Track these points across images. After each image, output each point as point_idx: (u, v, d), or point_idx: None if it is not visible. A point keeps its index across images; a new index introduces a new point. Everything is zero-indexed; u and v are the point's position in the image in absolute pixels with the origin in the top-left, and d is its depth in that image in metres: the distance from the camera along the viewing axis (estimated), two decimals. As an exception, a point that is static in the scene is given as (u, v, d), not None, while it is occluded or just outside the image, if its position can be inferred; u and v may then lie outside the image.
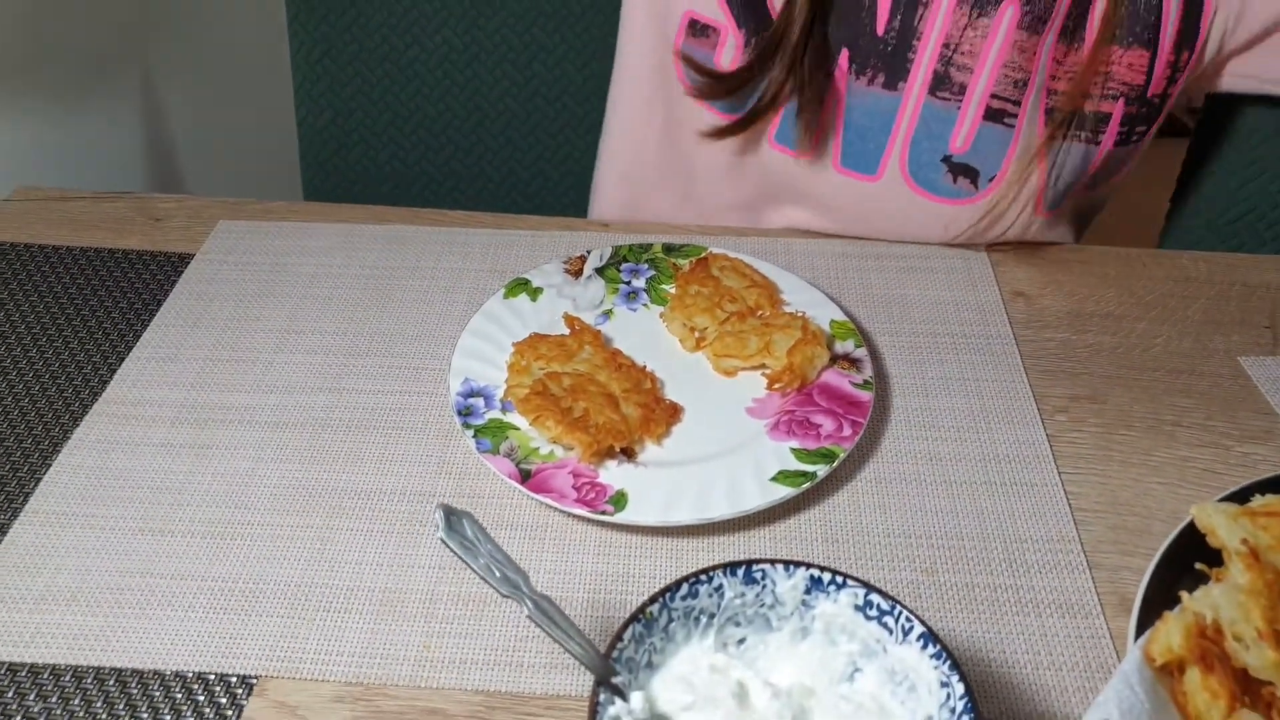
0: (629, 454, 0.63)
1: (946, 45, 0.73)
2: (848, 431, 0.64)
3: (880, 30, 0.74)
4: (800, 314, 0.71)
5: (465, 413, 0.64)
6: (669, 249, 0.79)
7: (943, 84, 0.75)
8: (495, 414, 0.65)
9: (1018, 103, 0.74)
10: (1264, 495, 0.54)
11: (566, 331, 0.70)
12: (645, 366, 0.68)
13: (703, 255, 0.77)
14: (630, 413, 0.64)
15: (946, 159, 0.76)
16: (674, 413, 0.66)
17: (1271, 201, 0.89)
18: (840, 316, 0.72)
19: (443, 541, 0.45)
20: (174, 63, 1.22)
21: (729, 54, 0.77)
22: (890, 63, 0.75)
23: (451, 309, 0.75)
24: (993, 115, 0.75)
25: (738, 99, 0.77)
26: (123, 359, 0.71)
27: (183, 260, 0.79)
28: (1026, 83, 0.74)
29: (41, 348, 0.72)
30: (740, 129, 0.78)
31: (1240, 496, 0.55)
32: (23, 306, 0.75)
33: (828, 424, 0.64)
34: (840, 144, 0.78)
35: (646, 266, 0.77)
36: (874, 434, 0.66)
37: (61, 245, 0.81)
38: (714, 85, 0.77)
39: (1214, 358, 0.72)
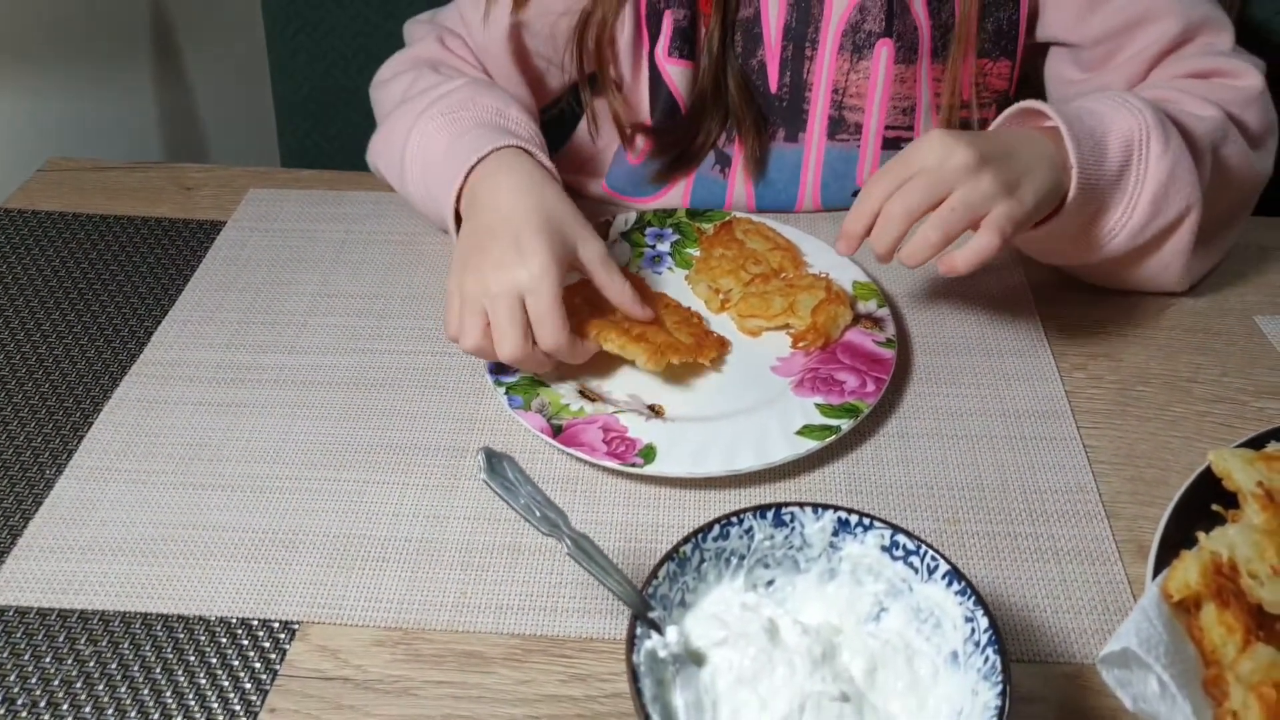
0: (658, 411, 0.64)
1: (835, 91, 0.78)
2: (871, 388, 0.65)
3: (774, 88, 0.79)
4: (824, 275, 0.72)
5: (497, 371, 0.66)
6: (693, 214, 0.80)
7: (839, 127, 0.80)
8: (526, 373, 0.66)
9: (910, 127, 0.79)
10: (1279, 442, 0.55)
11: None
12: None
13: (727, 219, 0.78)
14: (683, 338, 0.66)
15: (856, 192, 0.79)
16: (723, 344, 0.68)
17: None
18: (863, 278, 0.73)
19: (485, 482, 0.47)
20: (200, 34, 1.23)
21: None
22: (787, 116, 0.80)
23: (479, 273, 0.76)
24: (890, 144, 0.80)
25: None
26: (159, 322, 0.73)
27: (214, 227, 0.81)
28: (913, 108, 0.79)
29: (80, 312, 0.74)
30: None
31: (1256, 444, 0.56)
32: (60, 273, 0.77)
33: (851, 380, 0.66)
34: (753, 195, 0.83)
35: (671, 231, 0.79)
36: (896, 390, 0.67)
37: (96, 214, 0.82)
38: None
39: (1230, 316, 0.73)
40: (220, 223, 0.82)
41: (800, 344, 0.68)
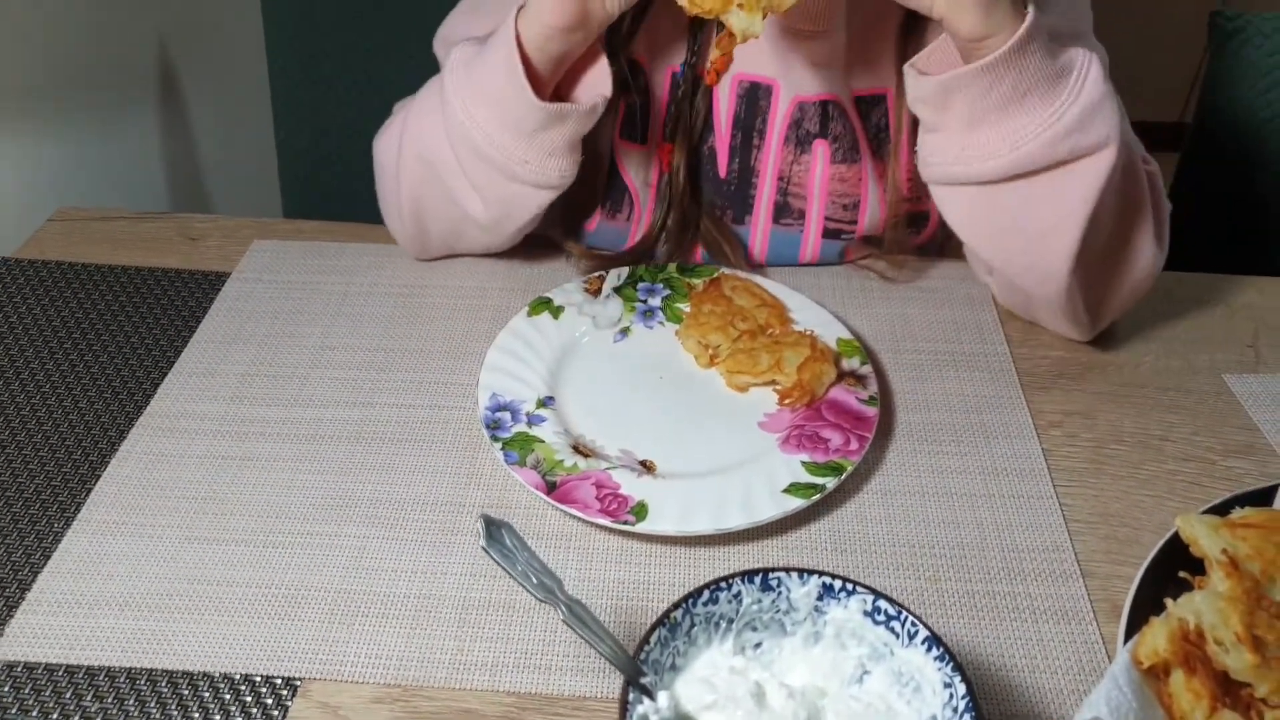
0: (649, 467, 0.67)
1: (781, 179, 0.81)
2: (855, 445, 0.67)
3: (723, 174, 0.82)
4: (809, 332, 0.75)
5: (493, 426, 0.68)
6: (683, 269, 0.82)
7: (784, 213, 0.82)
8: (521, 427, 0.68)
9: (853, 221, 0.82)
10: (1244, 508, 0.58)
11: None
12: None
13: (715, 275, 0.81)
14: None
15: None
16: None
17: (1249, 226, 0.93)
18: (846, 334, 0.76)
19: (484, 550, 0.49)
20: (204, 84, 1.26)
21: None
22: (735, 200, 0.83)
23: (477, 325, 0.79)
24: (830, 234, 0.82)
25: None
26: (165, 374, 0.75)
27: (219, 279, 0.83)
28: (857, 204, 0.81)
29: (88, 363, 0.76)
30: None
31: (1222, 509, 0.59)
32: (69, 324, 0.79)
33: (836, 438, 0.68)
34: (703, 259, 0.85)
35: (662, 286, 0.81)
36: (879, 448, 0.70)
37: (104, 264, 0.84)
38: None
39: (1200, 375, 0.76)
40: (225, 274, 0.84)
41: (786, 401, 0.71)
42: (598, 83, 0.73)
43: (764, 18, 0.63)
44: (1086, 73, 0.64)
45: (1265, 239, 1.01)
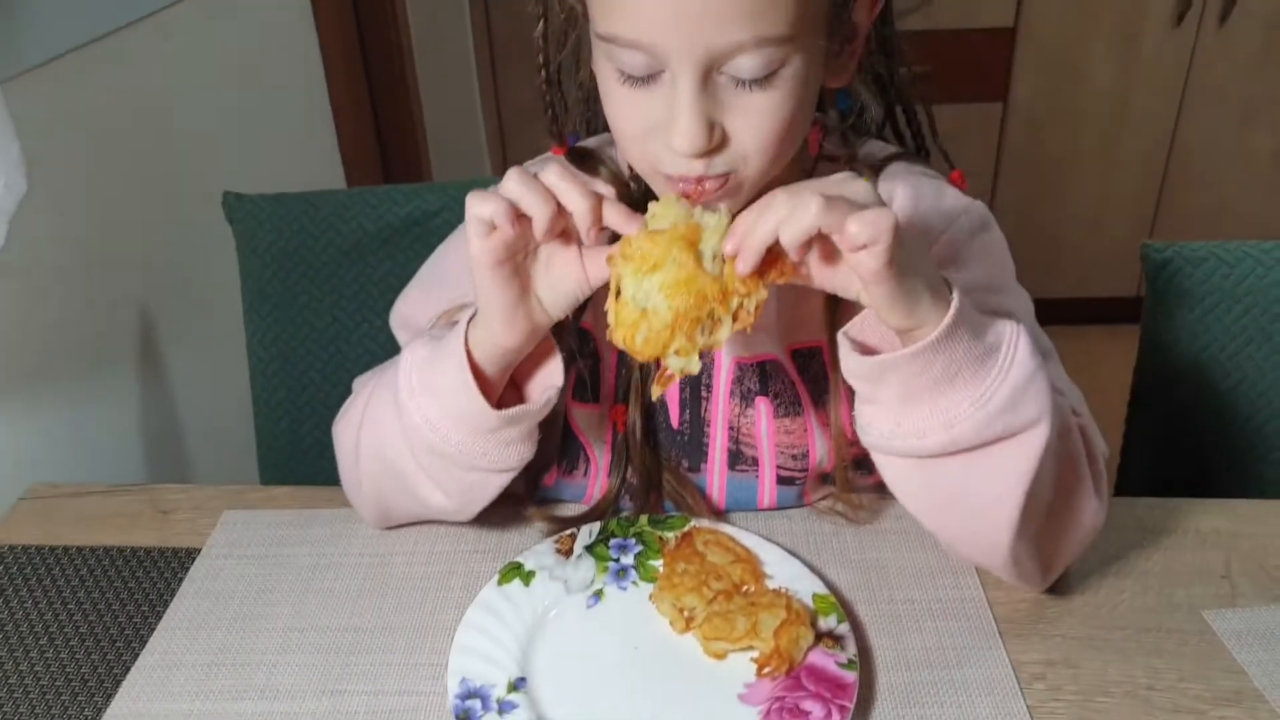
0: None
1: (731, 428, 0.83)
2: (836, 717, 0.66)
3: (675, 424, 0.84)
4: (784, 591, 0.74)
5: (463, 716, 0.66)
6: (654, 521, 0.83)
7: (738, 460, 0.84)
8: (492, 715, 0.66)
9: (804, 469, 0.83)
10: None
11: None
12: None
13: (687, 529, 0.81)
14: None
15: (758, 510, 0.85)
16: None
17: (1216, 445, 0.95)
18: (822, 589, 0.75)
19: None
20: (183, 349, 1.29)
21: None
22: (690, 449, 0.85)
23: (448, 595, 0.78)
24: (785, 481, 0.84)
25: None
26: (128, 668, 0.73)
27: (189, 555, 0.83)
28: (806, 454, 0.83)
29: (48, 659, 0.74)
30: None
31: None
32: (31, 615, 0.78)
33: (817, 710, 0.66)
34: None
35: (634, 541, 0.81)
36: (862, 714, 0.68)
37: (72, 546, 0.84)
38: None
39: (1179, 612, 0.75)
40: (196, 550, 0.83)
41: (765, 671, 0.69)
42: (550, 375, 0.75)
43: (700, 356, 0.66)
44: (1015, 349, 0.65)
45: (1227, 460, 1.03)
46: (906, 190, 0.77)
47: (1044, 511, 0.70)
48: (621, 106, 0.67)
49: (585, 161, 0.80)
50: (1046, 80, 2.27)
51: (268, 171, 1.52)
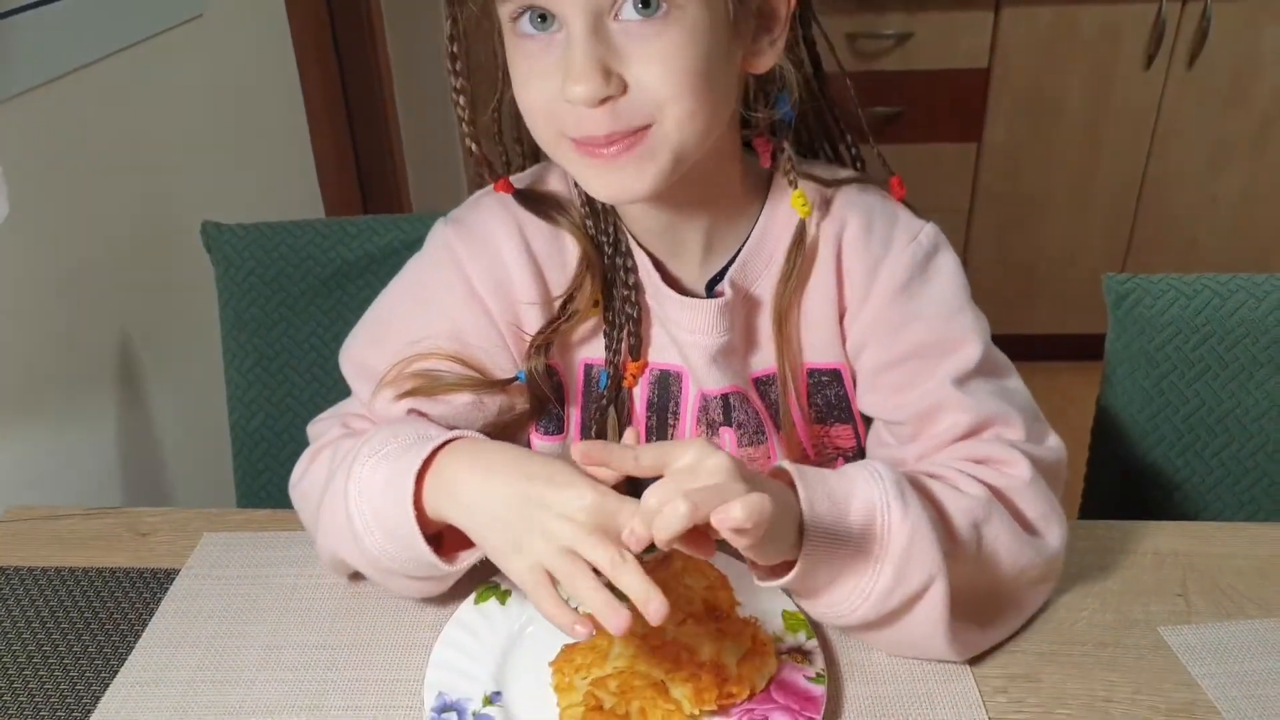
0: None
1: None
2: (804, 730, 0.67)
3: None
4: (752, 620, 0.75)
5: (440, 731, 0.67)
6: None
7: None
8: (469, 729, 0.68)
9: None
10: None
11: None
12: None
13: (666, 553, 0.82)
14: (681, 692, 0.69)
15: None
16: (722, 679, 0.69)
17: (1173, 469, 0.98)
18: (791, 607, 0.77)
19: None
20: (162, 375, 1.30)
21: None
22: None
23: (425, 614, 0.79)
24: None
25: None
26: (107, 685, 0.73)
27: (168, 576, 0.83)
28: None
29: (27, 678, 0.75)
30: None
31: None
32: (9, 635, 0.78)
33: (784, 722, 0.68)
34: None
35: (608, 561, 0.83)
36: (829, 727, 0.70)
37: (50, 567, 0.85)
38: None
39: (1135, 629, 0.78)
40: (175, 570, 0.84)
41: (727, 700, 0.70)
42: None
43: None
44: (889, 528, 0.68)
45: (1184, 483, 1.06)
46: (858, 219, 0.79)
47: (987, 605, 0.73)
48: (527, 77, 0.68)
49: (540, 204, 0.80)
50: (1021, 120, 2.32)
51: (247, 201, 1.54)
